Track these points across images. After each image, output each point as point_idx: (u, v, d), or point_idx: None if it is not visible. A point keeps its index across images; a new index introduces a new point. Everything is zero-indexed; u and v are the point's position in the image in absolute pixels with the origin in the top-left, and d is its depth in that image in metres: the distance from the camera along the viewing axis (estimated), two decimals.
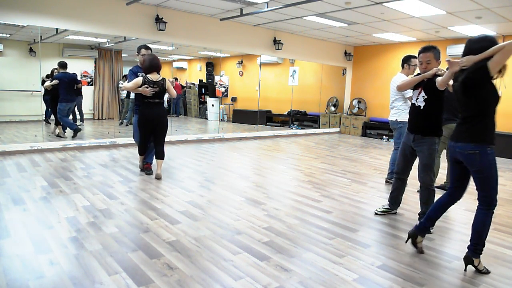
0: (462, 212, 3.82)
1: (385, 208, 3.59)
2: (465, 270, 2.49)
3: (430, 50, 3.00)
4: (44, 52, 7.53)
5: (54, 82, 7.10)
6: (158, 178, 4.64)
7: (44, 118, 8.39)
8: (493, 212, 2.49)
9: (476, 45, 2.40)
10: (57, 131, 7.30)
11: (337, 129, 11.15)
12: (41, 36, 6.54)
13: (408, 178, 3.49)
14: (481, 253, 2.47)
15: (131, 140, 7.18)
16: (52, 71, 7.51)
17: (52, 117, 7.84)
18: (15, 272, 2.23)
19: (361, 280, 2.31)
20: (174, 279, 2.23)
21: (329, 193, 4.31)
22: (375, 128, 10.40)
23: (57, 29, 6.77)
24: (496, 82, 2.43)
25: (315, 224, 3.27)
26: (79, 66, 9.40)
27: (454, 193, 2.69)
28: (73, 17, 6.14)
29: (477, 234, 2.46)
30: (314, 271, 2.39)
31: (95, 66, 9.60)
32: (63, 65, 7.23)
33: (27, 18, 5.77)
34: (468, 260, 2.47)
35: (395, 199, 3.52)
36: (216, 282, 2.21)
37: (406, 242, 2.76)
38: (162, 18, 6.94)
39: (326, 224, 3.28)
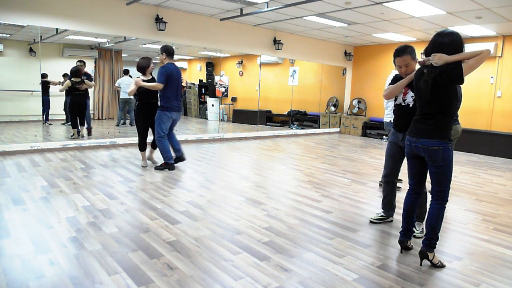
0: (462, 212, 3.82)
1: (381, 216, 3.40)
2: (421, 264, 2.53)
3: (406, 53, 2.83)
4: (44, 52, 7.53)
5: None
6: (149, 159, 5.36)
7: (44, 119, 8.39)
8: (445, 207, 2.53)
9: (446, 38, 2.40)
10: (83, 132, 7.38)
11: (337, 129, 11.15)
12: (41, 36, 6.54)
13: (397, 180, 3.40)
14: (435, 247, 2.51)
15: (131, 140, 7.20)
16: (78, 70, 7.43)
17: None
18: (15, 272, 2.23)
19: (361, 280, 2.31)
20: (174, 279, 2.23)
21: (329, 193, 4.31)
22: (375, 128, 10.40)
23: (57, 29, 6.77)
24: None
25: (315, 224, 3.27)
26: None
27: (416, 188, 2.70)
28: (73, 17, 6.14)
29: (432, 229, 2.49)
30: (314, 271, 2.39)
31: (95, 66, 9.60)
32: (84, 64, 7.58)
33: (27, 18, 5.77)
34: (423, 254, 2.51)
35: (389, 205, 3.36)
36: (216, 282, 2.21)
37: (402, 252, 2.73)
38: (162, 18, 6.94)
39: (326, 224, 3.28)
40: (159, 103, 5.12)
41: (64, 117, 8.87)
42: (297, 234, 3.03)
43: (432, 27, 7.66)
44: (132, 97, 9.30)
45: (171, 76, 4.98)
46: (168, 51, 5.05)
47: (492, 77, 8.13)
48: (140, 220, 3.20)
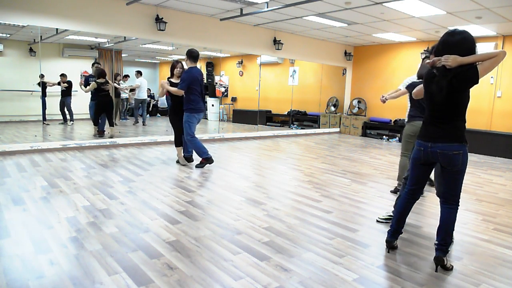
0: (462, 212, 3.82)
1: (389, 215, 3.38)
2: (436, 271, 2.46)
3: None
4: (44, 52, 7.53)
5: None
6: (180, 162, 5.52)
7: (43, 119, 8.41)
8: (457, 210, 2.49)
9: (457, 37, 2.31)
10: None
11: (337, 129, 11.15)
12: (41, 36, 6.54)
13: None
14: (448, 251, 2.48)
15: (131, 140, 7.21)
16: (103, 71, 7.55)
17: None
18: (15, 272, 2.23)
19: (361, 280, 2.31)
20: (174, 279, 2.23)
21: (329, 193, 4.31)
22: (375, 128, 10.40)
23: (57, 29, 6.77)
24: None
25: (315, 224, 3.27)
26: (79, 66, 9.40)
27: (415, 193, 2.64)
28: (73, 17, 6.14)
29: (449, 233, 2.46)
30: (314, 271, 2.39)
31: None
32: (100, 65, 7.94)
33: (27, 18, 5.77)
34: (439, 260, 2.45)
35: None
36: (216, 282, 2.21)
37: (388, 251, 2.72)
38: (162, 18, 6.94)
39: (326, 224, 3.28)
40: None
41: (61, 117, 8.90)
42: (297, 234, 3.03)
43: (432, 27, 7.66)
44: (146, 97, 9.98)
45: (194, 80, 5.10)
46: (190, 54, 5.15)
47: (492, 77, 8.12)
48: (140, 220, 3.20)
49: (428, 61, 2.50)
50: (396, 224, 2.69)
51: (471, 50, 2.28)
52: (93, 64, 7.79)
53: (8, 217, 3.12)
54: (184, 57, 5.23)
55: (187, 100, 5.15)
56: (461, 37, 2.31)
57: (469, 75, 2.26)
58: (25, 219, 3.10)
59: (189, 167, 5.39)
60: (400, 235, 2.81)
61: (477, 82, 2.29)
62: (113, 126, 7.53)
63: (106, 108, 7.40)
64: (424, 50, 2.98)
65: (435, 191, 3.06)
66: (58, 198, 3.69)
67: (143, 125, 10.03)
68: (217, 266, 2.40)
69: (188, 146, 5.50)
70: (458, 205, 2.47)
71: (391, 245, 2.73)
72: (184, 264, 2.42)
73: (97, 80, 7.24)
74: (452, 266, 2.51)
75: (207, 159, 5.33)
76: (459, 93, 2.33)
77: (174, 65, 5.33)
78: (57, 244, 2.64)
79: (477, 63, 2.27)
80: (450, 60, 2.26)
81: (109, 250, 2.57)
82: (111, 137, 7.26)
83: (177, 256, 2.52)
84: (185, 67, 5.38)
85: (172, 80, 5.30)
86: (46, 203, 3.52)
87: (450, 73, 2.29)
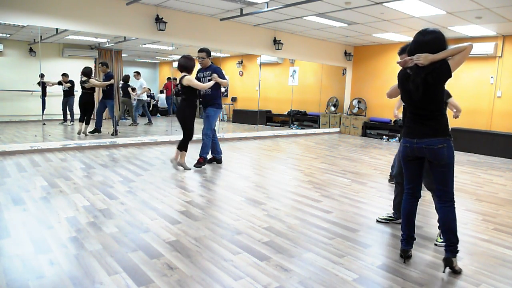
0: (462, 212, 3.82)
1: (389, 216, 3.38)
2: (444, 271, 2.44)
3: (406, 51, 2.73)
4: (44, 52, 7.52)
5: (113, 81, 7.80)
6: (180, 164, 5.20)
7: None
8: (455, 207, 2.47)
9: (428, 36, 2.36)
10: (88, 129, 7.68)
11: (337, 129, 11.15)
12: (41, 36, 6.54)
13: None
14: (458, 251, 2.43)
15: (131, 140, 7.21)
16: (90, 70, 7.64)
17: (66, 116, 8.85)
18: (15, 272, 2.23)
19: (361, 280, 2.31)
20: (174, 279, 2.23)
21: (329, 193, 4.31)
22: (375, 128, 10.40)
23: (57, 29, 6.77)
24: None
25: (315, 224, 3.27)
26: (79, 66, 9.39)
27: (414, 192, 2.60)
28: (73, 17, 6.14)
29: (452, 232, 2.42)
30: (314, 271, 2.39)
31: (95, 66, 9.62)
32: (108, 65, 8.00)
33: (27, 18, 5.77)
34: (448, 261, 2.41)
35: (399, 206, 3.27)
36: (216, 282, 2.21)
37: (404, 262, 2.59)
38: (162, 18, 6.94)
39: (326, 224, 3.28)
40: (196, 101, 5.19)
41: (61, 116, 8.91)
42: (297, 234, 3.03)
43: (432, 27, 7.65)
44: (145, 98, 10.27)
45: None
46: (210, 52, 5.41)
47: (492, 77, 8.12)
48: (140, 220, 3.20)
49: (398, 61, 2.50)
50: (407, 229, 2.58)
51: (443, 48, 2.33)
52: (101, 64, 7.96)
53: (8, 217, 3.12)
54: (179, 57, 5.23)
55: (216, 95, 5.28)
56: (432, 37, 2.37)
57: (442, 71, 2.32)
58: (25, 219, 3.10)
59: (179, 169, 5.38)
60: (396, 235, 2.76)
61: (450, 76, 2.33)
62: (87, 124, 7.66)
63: (85, 105, 7.58)
64: (398, 53, 2.98)
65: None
66: (58, 198, 3.69)
67: (150, 124, 10.15)
68: (217, 266, 2.40)
69: (217, 146, 5.56)
70: (454, 202, 2.47)
71: (407, 255, 2.58)
72: (184, 264, 2.42)
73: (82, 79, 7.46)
74: (461, 270, 2.46)
75: (205, 159, 5.37)
76: (435, 89, 2.37)
77: (191, 64, 5.03)
78: (57, 244, 2.65)
79: (448, 58, 2.32)
80: (422, 58, 2.32)
81: (109, 250, 2.57)
82: (79, 132, 7.56)
83: (177, 256, 2.53)
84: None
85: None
86: (46, 203, 3.52)
87: (423, 71, 2.34)
